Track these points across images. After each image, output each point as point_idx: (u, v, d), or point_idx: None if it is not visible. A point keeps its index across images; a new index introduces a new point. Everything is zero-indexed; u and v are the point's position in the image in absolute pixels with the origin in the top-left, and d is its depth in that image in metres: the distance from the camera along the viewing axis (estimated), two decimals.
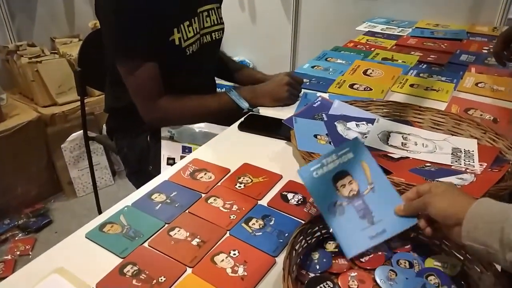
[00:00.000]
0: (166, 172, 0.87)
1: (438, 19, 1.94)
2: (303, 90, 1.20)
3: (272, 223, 0.72)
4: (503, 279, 0.55)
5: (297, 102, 1.15)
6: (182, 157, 1.11)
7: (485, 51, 1.55)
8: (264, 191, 0.80)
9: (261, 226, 0.71)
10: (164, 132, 1.15)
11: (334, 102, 1.02)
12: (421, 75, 1.33)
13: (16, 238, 1.93)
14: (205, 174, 0.86)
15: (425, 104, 1.09)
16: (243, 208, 0.75)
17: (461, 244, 0.53)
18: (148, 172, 1.18)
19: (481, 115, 1.07)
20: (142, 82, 1.05)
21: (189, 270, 0.63)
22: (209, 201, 0.78)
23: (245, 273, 0.62)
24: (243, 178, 0.84)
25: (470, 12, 1.89)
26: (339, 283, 0.59)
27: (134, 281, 0.61)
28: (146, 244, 0.68)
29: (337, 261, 0.62)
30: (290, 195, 0.79)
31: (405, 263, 0.62)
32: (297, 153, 0.89)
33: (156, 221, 0.73)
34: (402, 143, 0.89)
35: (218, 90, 1.42)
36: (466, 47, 1.60)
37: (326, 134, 0.90)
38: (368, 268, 0.61)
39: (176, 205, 0.77)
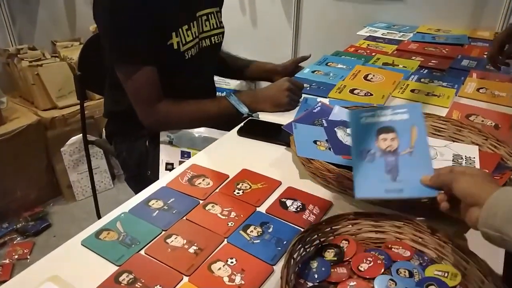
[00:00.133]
0: (164, 178, 0.86)
1: (440, 24, 1.93)
2: (303, 95, 1.19)
3: (270, 230, 0.71)
4: None
5: (297, 107, 1.14)
6: (181, 162, 1.10)
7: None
8: (263, 197, 0.79)
9: (259, 234, 0.70)
10: (163, 136, 1.15)
11: (334, 108, 1.01)
12: (422, 80, 1.32)
13: (15, 242, 1.92)
14: (203, 180, 0.85)
15: (426, 109, 1.09)
16: (241, 215, 0.74)
17: (474, 228, 0.54)
18: (147, 177, 1.18)
19: (483, 121, 1.06)
20: (141, 86, 1.05)
21: (185, 279, 0.62)
22: (207, 208, 0.77)
23: (243, 282, 0.61)
24: (242, 185, 0.83)
25: (471, 17, 1.88)
26: None
27: None
28: (142, 252, 0.67)
29: (335, 270, 0.62)
30: (289, 202, 0.78)
31: (405, 272, 0.61)
32: (296, 159, 0.89)
33: (153, 228, 0.72)
34: None
35: (218, 94, 1.42)
36: (468, 52, 1.59)
37: (326, 140, 0.89)
38: (367, 277, 0.60)
39: (174, 212, 0.76)
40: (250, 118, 1.10)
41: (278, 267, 0.63)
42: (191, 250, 0.67)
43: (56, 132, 2.11)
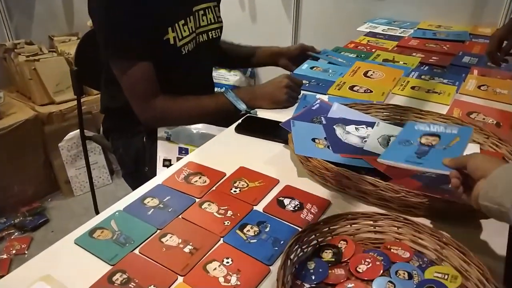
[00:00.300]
0: (160, 176, 0.85)
1: (440, 20, 1.91)
2: (302, 92, 1.17)
3: (267, 230, 0.70)
4: None
5: (296, 104, 1.13)
6: (178, 159, 1.09)
7: None
8: (260, 196, 0.78)
9: (256, 233, 0.69)
10: (161, 132, 1.13)
11: (333, 105, 0.99)
12: (422, 77, 1.31)
13: (12, 237, 1.92)
14: (199, 178, 0.84)
15: (426, 107, 1.08)
16: (238, 214, 0.73)
17: (476, 205, 0.56)
18: (144, 173, 1.16)
19: (484, 119, 1.05)
20: (136, 82, 1.03)
21: (180, 279, 0.61)
22: (203, 206, 0.75)
23: (238, 283, 0.60)
24: (239, 183, 0.82)
25: (472, 13, 1.86)
26: None
27: None
28: (137, 251, 0.66)
29: (333, 271, 0.60)
30: (286, 201, 0.76)
31: (404, 274, 0.60)
32: (295, 157, 0.87)
33: (148, 226, 0.71)
34: None
35: (217, 89, 1.40)
36: (469, 48, 1.57)
37: (325, 138, 0.87)
38: (366, 279, 0.59)
39: (169, 210, 0.74)
40: (248, 115, 1.08)
41: (275, 268, 0.62)
42: (186, 249, 0.66)
43: (53, 127, 2.10)
